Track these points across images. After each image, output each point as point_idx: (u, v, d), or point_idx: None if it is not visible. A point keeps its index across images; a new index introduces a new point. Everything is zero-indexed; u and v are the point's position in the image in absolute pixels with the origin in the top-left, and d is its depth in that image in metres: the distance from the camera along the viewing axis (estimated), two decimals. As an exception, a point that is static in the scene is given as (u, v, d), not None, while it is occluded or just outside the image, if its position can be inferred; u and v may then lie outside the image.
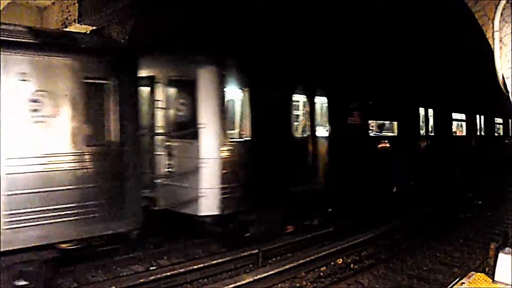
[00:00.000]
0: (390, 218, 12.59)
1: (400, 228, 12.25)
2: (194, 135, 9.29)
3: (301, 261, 9.23)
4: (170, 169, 9.76)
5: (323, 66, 12.79)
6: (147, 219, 8.29)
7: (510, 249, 6.11)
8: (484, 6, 6.15)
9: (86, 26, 16.15)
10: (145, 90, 9.99)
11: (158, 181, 9.78)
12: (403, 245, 11.19)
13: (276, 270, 8.72)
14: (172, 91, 10.07)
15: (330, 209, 12.38)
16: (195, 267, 8.79)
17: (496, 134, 24.44)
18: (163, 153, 9.89)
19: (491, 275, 6.17)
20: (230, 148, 9.52)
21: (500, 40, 6.09)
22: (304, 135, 11.38)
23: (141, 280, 8.06)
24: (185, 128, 9.60)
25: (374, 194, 13.13)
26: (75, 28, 16.17)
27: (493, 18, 6.02)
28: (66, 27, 16.60)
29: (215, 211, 9.26)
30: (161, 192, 9.74)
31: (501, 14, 5.98)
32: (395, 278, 9.04)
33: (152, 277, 8.20)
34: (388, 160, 14.05)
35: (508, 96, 6.19)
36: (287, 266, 8.93)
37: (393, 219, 12.54)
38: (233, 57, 10.08)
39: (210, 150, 9.23)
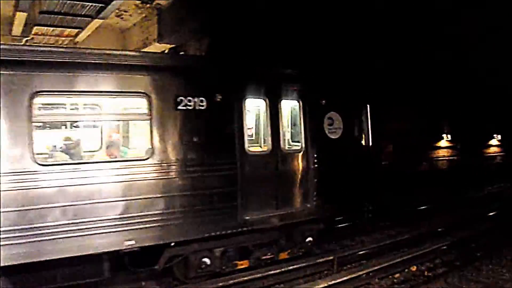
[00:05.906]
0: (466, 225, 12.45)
1: (476, 236, 12.14)
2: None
3: (375, 268, 9.47)
4: None
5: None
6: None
7: None
8: None
9: (164, 44, 17.43)
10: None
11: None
12: (478, 253, 11.06)
13: (350, 276, 9.00)
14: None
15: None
16: (271, 272, 9.03)
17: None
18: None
19: None
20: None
21: None
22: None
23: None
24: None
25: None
26: (155, 47, 17.45)
27: None
28: (146, 46, 17.92)
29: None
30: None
31: None
32: (469, 286, 9.01)
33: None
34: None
35: None
36: (361, 273, 9.22)
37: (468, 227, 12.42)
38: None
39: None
